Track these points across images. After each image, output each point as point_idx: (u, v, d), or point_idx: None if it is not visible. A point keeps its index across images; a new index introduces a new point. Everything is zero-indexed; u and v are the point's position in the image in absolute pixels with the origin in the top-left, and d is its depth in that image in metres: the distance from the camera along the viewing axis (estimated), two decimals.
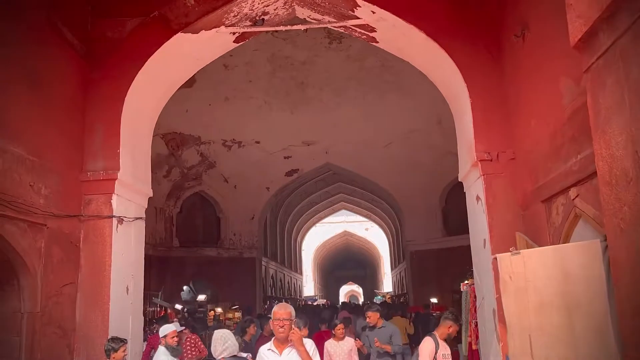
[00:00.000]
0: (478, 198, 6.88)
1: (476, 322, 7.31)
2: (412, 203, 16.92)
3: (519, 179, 6.51)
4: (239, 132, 16.03)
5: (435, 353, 5.55)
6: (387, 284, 45.43)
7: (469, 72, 6.84)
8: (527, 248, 5.95)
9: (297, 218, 31.79)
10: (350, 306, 22.75)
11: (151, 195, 7.84)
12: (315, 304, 33.40)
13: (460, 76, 6.89)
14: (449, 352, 5.61)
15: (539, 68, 5.66)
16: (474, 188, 7.04)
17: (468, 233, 15.76)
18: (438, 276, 16.10)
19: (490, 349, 6.59)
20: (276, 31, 13.75)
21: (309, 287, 47.09)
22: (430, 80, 14.70)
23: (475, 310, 7.38)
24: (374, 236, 43.79)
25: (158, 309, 11.17)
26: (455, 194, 16.65)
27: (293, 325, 4.31)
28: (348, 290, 64.39)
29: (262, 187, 17.43)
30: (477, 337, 7.30)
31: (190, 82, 14.42)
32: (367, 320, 7.10)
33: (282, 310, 4.35)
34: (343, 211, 36.43)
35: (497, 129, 6.71)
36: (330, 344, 7.02)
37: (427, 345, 5.56)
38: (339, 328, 7.05)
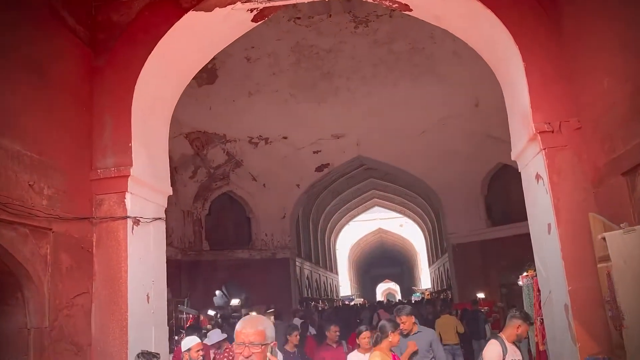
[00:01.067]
0: (539, 177, 5.96)
1: (542, 319, 6.42)
2: (451, 193, 15.93)
3: (588, 151, 5.59)
4: (265, 128, 15.35)
5: (503, 358, 4.68)
6: (424, 281, 44.59)
7: (519, 29, 5.94)
8: (605, 231, 5.04)
9: (329, 217, 31.13)
10: (389, 305, 21.92)
11: (170, 193, 7.16)
12: (352, 303, 32.72)
13: (508, 36, 5.99)
14: (520, 357, 4.72)
15: (609, 10, 4.74)
16: (533, 166, 6.12)
17: (513, 222, 14.90)
18: (483, 270, 15.09)
19: (563, 349, 5.68)
20: (299, 18, 13.05)
21: (345, 286, 46.49)
22: (464, 61, 13.94)
23: (540, 306, 6.47)
24: (409, 232, 42.95)
25: (185, 316, 10.52)
26: (498, 182, 15.63)
27: (269, 354, 2.62)
28: (385, 289, 63.88)
29: (292, 184, 16.70)
30: (543, 337, 6.40)
31: (212, 79, 13.83)
32: (402, 326, 5.58)
33: (249, 330, 2.62)
34: (376, 208, 35.64)
35: (557, 95, 5.80)
36: (353, 358, 5.62)
37: (492, 350, 4.69)
38: (364, 337, 5.57)
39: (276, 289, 15.65)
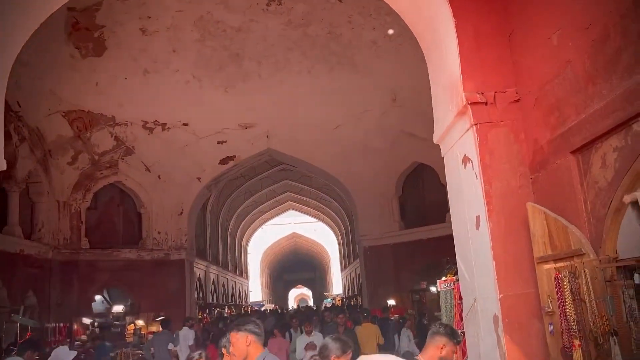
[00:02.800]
0: (467, 160, 4.88)
1: (463, 332, 5.34)
2: (365, 193, 14.95)
3: (528, 128, 4.59)
4: (162, 112, 13.63)
5: None
6: (336, 286, 44.10)
7: None
8: (548, 224, 4.02)
9: (241, 219, 29.63)
10: (288, 315, 20.65)
11: (4, 168, 5.42)
12: (262, 309, 31.39)
13: None
14: None
15: None
16: (460, 146, 5.04)
17: (427, 225, 14.15)
18: (395, 274, 14.20)
19: None
20: None
21: (256, 292, 44.99)
22: (383, 52, 12.99)
23: (461, 317, 5.40)
24: (323, 237, 42.34)
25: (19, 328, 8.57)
26: (413, 182, 14.85)
27: None
28: (298, 294, 63.22)
29: (192, 177, 15.00)
30: (464, 355, 5.32)
31: (99, 50, 11.95)
32: None
33: None
34: (291, 212, 34.63)
35: (494, 59, 4.77)
36: None
37: None
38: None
39: (169, 294, 13.88)
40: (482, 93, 4.68)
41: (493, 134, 4.65)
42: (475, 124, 4.65)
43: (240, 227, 31.00)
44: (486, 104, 4.68)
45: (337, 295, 37.09)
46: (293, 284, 59.66)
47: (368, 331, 9.54)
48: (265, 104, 13.84)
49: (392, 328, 11.54)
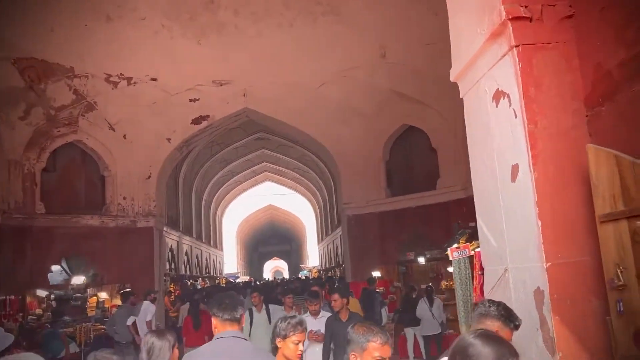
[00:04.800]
0: (501, 94, 3.86)
1: None
2: (349, 157, 13.89)
3: (585, 52, 3.56)
4: (128, 65, 12.28)
5: None
6: (313, 259, 43.63)
7: None
8: (621, 171, 3.04)
9: (216, 189, 28.50)
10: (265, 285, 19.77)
11: None
12: (237, 281, 30.62)
13: None
14: None
15: None
16: (491, 79, 4.01)
17: (416, 192, 13.22)
18: (381, 245, 13.29)
19: (527, 358, 3.66)
20: None
21: (230, 264, 44.25)
22: (372, 2, 11.85)
23: (482, 292, 4.44)
24: (300, 209, 41.55)
25: None
26: (401, 146, 13.88)
27: None
28: (273, 267, 62.97)
29: (161, 138, 13.71)
30: None
31: None
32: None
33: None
34: (267, 183, 33.67)
35: None
36: None
37: None
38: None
39: (136, 265, 12.74)
40: (525, 6, 3.63)
41: (539, 59, 3.62)
42: (516, 46, 3.61)
43: (215, 197, 29.88)
44: (531, 20, 3.64)
45: (314, 268, 36.58)
46: (268, 256, 59.22)
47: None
48: (243, 58, 12.59)
49: (379, 301, 10.68)
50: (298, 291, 11.76)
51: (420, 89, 12.20)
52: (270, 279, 44.70)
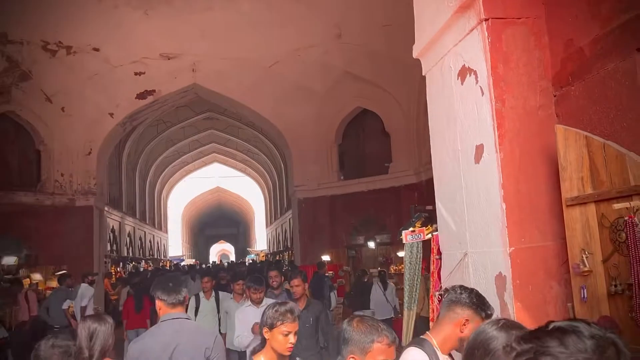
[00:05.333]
0: (467, 71, 3.68)
1: (440, 294, 4.27)
2: (302, 139, 13.61)
3: (555, 28, 3.42)
4: (67, 33, 11.49)
5: None
6: (260, 242, 43.33)
7: None
8: (590, 152, 2.93)
9: (161, 169, 27.65)
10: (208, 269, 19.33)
11: None
12: (182, 264, 29.95)
13: None
14: None
15: None
16: (456, 55, 3.83)
17: (368, 176, 13.10)
18: (331, 228, 13.14)
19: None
20: None
21: (176, 246, 43.35)
22: None
23: (439, 277, 4.31)
24: (249, 192, 41.05)
25: None
26: (354, 129, 13.72)
27: None
28: (219, 250, 62.27)
29: (103, 112, 12.98)
30: None
31: None
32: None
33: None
34: (215, 164, 32.97)
35: None
36: None
37: None
38: None
39: (73, 245, 12.05)
40: None
41: (508, 34, 3.46)
42: (485, 20, 3.43)
43: (161, 178, 29.03)
44: None
45: (261, 251, 36.32)
46: (215, 239, 58.45)
47: None
48: (192, 32, 12.03)
49: (329, 285, 10.54)
50: (245, 276, 11.50)
51: (376, 71, 12.02)
52: (217, 262, 44.07)
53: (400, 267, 10.32)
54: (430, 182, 11.00)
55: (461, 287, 2.42)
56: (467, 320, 2.32)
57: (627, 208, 2.52)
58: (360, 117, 13.43)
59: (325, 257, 12.49)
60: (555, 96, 3.42)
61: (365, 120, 13.39)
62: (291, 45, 12.35)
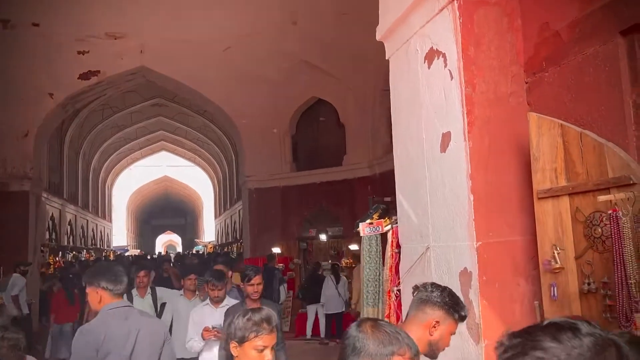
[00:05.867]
0: (435, 54, 3.47)
1: (399, 289, 4.07)
2: (254, 128, 13.18)
3: (528, 11, 3.25)
4: (4, 6, 10.65)
5: None
6: (209, 233, 42.59)
7: None
8: (566, 142, 2.76)
9: (107, 156, 26.56)
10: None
11: None
12: (127, 254, 28.96)
13: None
14: None
15: None
16: (424, 37, 3.61)
17: (322, 167, 12.85)
18: (283, 220, 12.83)
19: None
20: None
21: (120, 236, 42.00)
22: None
23: (397, 272, 4.10)
24: (198, 182, 40.19)
25: None
26: (308, 120, 13.44)
27: None
28: (166, 240, 60.82)
29: (42, 92, 12.13)
30: (399, 319, 4.06)
31: None
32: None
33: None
34: (163, 153, 31.96)
35: None
36: None
37: None
38: None
39: (5, 233, 11.23)
40: None
41: (481, 15, 3.26)
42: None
43: (106, 165, 27.87)
44: None
45: (209, 243, 35.68)
46: (162, 230, 57.02)
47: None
48: (141, 11, 11.40)
49: (279, 278, 10.27)
50: (197, 269, 11.00)
51: (332, 60, 11.75)
52: (162, 253, 42.98)
53: (351, 261, 10.16)
54: (384, 176, 10.95)
55: (433, 284, 2.19)
56: (437, 322, 2.09)
57: (610, 201, 2.33)
58: (315, 107, 13.14)
59: (276, 250, 12.19)
60: (527, 83, 3.25)
61: (320, 110, 13.12)
62: (245, 30, 11.91)
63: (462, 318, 2.12)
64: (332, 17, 11.02)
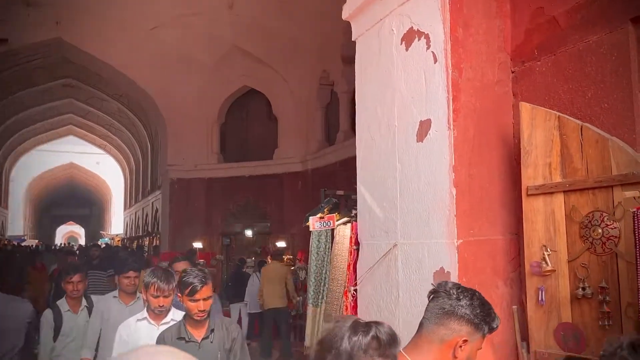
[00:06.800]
0: (416, 34, 3.19)
1: (355, 289, 3.76)
2: (180, 114, 12.41)
3: None
4: None
5: None
6: (117, 226, 40.55)
7: None
8: (563, 135, 2.56)
9: (6, 137, 24.28)
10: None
11: None
12: (24, 244, 26.70)
13: None
14: None
15: None
16: (403, 15, 3.32)
17: (251, 160, 12.34)
18: (207, 214, 12.19)
19: None
20: None
21: (17, 224, 38.91)
22: None
23: (354, 270, 3.79)
24: (107, 171, 38.15)
25: None
26: (239, 109, 12.90)
27: None
28: (67, 231, 57.18)
29: None
30: None
31: None
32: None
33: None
34: (71, 138, 29.95)
35: None
36: None
37: None
38: None
39: None
40: None
41: None
42: None
43: (5, 147, 25.56)
44: None
45: (117, 236, 33.88)
46: (64, 220, 53.50)
47: None
48: None
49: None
50: (103, 264, 10.00)
51: (268, 49, 11.29)
52: (64, 244, 40.25)
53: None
54: (317, 172, 10.63)
55: (458, 287, 1.77)
56: (465, 340, 1.69)
57: (635, 197, 2.14)
58: (247, 97, 12.62)
59: (197, 244, 11.53)
60: (513, 72, 3.04)
61: (252, 100, 12.61)
62: (176, 9, 11.19)
63: (492, 330, 1.76)
64: (270, 4, 10.58)
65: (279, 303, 8.12)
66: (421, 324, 1.79)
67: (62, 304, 4.04)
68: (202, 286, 2.75)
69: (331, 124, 10.70)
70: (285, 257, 9.93)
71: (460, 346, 1.68)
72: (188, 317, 2.83)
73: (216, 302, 3.88)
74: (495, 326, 1.75)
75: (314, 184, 10.30)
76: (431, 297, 1.79)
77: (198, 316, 2.77)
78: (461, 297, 1.72)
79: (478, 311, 1.70)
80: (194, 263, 9.98)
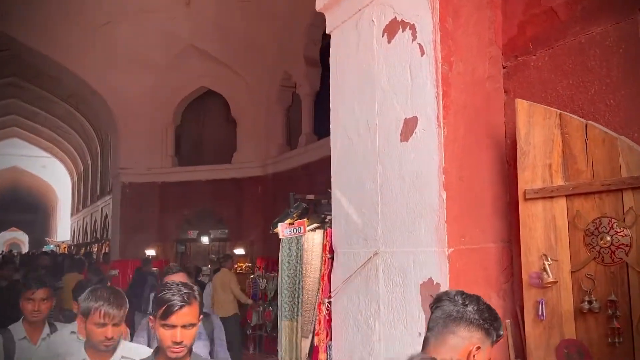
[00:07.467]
0: (400, 25, 2.94)
1: (330, 301, 3.47)
2: (133, 115, 11.79)
3: None
4: None
5: None
6: (63, 232, 39.13)
7: None
8: (565, 135, 2.35)
9: None
10: None
11: None
12: None
13: None
14: None
15: None
16: (385, 5, 3.07)
17: (207, 164, 11.86)
18: (160, 219, 11.63)
19: None
20: None
21: None
22: None
23: (329, 279, 3.50)
24: (54, 175, 36.80)
25: None
26: (195, 111, 12.43)
27: None
28: (8, 238, 54.50)
29: None
30: (328, 334, 3.48)
31: None
32: None
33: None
34: (15, 140, 28.68)
35: None
36: None
37: None
38: None
39: None
40: None
41: None
42: None
43: None
44: None
45: (63, 242, 32.56)
46: (5, 226, 51.00)
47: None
48: None
49: (152, 285, 9.12)
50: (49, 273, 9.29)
51: (226, 50, 10.87)
52: (5, 251, 38.30)
53: (241, 265, 9.36)
54: (278, 176, 10.28)
55: (462, 294, 1.59)
56: (478, 347, 1.52)
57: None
58: (204, 98, 12.13)
59: (150, 252, 10.97)
60: (505, 67, 2.83)
61: (209, 102, 12.15)
62: (130, 5, 10.66)
63: (499, 338, 1.58)
64: (230, 3, 10.22)
65: (229, 310, 7.70)
66: (426, 339, 1.59)
67: (17, 329, 2.99)
68: (181, 306, 1.91)
69: (293, 128, 10.40)
70: (243, 265, 9.54)
71: (474, 355, 1.52)
72: (161, 352, 1.96)
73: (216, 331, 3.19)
74: (501, 333, 1.60)
75: (274, 189, 9.96)
76: (434, 307, 1.58)
77: (172, 352, 1.90)
78: (467, 302, 1.57)
79: (486, 315, 1.56)
80: (149, 271, 9.49)
